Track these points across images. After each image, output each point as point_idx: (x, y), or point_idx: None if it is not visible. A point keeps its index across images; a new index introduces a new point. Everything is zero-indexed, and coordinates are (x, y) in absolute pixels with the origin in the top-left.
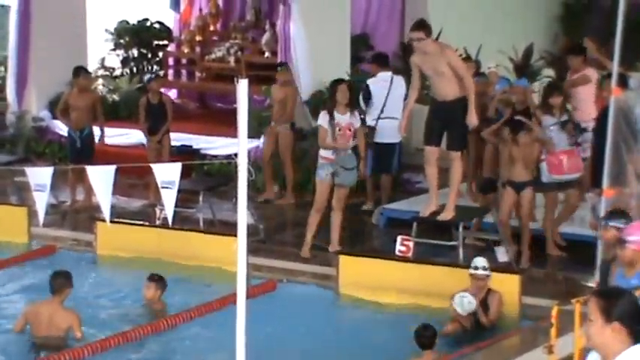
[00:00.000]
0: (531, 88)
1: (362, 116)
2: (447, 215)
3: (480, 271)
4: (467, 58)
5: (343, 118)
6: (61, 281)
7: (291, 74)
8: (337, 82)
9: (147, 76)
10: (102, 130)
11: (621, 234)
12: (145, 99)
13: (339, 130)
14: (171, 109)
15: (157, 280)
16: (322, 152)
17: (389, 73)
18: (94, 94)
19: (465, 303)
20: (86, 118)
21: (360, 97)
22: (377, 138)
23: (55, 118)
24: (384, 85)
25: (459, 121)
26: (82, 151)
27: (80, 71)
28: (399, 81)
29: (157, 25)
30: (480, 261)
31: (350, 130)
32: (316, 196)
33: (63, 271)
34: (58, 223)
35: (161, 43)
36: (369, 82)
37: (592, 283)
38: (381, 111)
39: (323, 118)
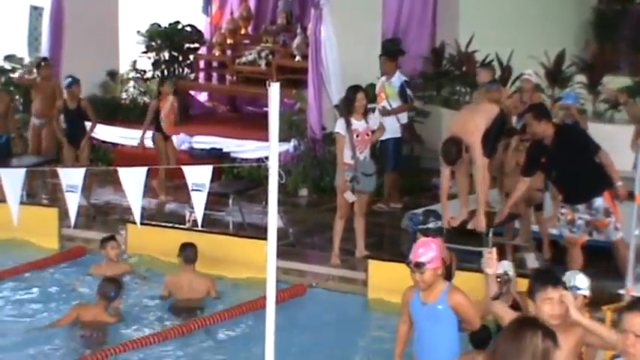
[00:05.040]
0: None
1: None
2: (480, 224)
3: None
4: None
5: (360, 124)
6: (194, 252)
7: None
8: (355, 89)
9: (67, 80)
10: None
11: (413, 258)
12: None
13: (357, 136)
14: (93, 113)
15: (115, 238)
16: (342, 158)
17: None
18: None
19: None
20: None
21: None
22: None
23: None
24: None
25: (491, 130)
26: None
27: None
28: None
29: (188, 28)
30: (502, 265)
31: (368, 135)
32: (338, 203)
33: (192, 243)
34: (86, 224)
35: (192, 46)
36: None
37: (623, 291)
38: None
39: (340, 126)
